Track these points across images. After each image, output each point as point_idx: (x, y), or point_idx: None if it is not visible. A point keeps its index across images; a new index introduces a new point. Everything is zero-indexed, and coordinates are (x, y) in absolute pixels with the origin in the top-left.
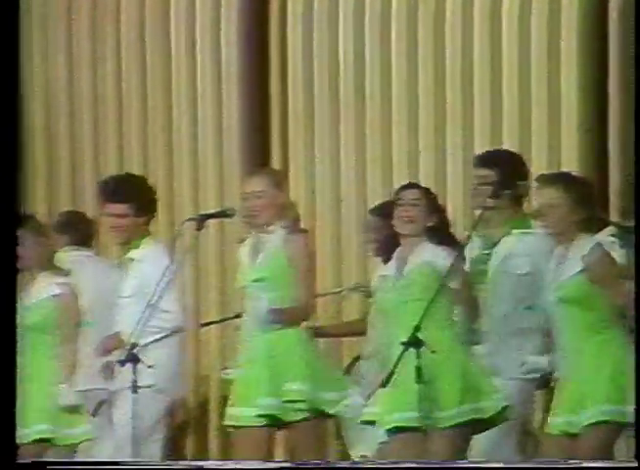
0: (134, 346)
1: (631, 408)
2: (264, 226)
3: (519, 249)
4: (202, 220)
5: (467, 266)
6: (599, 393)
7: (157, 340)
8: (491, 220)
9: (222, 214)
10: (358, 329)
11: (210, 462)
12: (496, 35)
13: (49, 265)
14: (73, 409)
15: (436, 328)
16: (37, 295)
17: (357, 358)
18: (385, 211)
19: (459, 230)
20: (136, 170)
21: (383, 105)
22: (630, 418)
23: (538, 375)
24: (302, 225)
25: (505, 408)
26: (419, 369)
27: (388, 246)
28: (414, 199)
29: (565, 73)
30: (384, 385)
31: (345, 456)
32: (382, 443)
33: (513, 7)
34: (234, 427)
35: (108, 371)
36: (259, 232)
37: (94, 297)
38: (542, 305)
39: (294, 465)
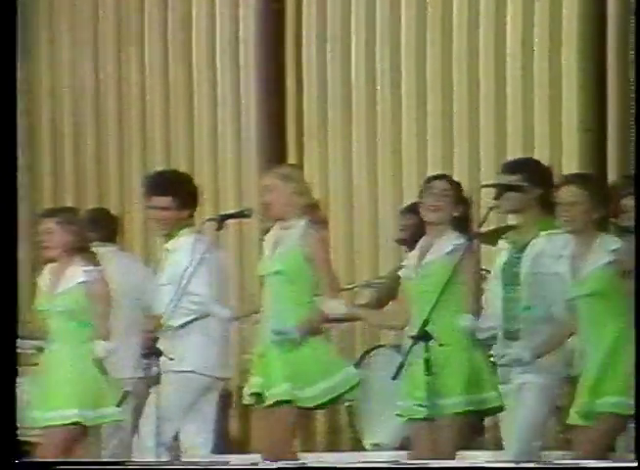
0: (156, 339)
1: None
2: (280, 220)
3: (548, 249)
4: (221, 220)
5: (480, 260)
6: (615, 384)
7: (187, 323)
8: (521, 224)
9: (241, 215)
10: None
11: (210, 461)
12: (500, 42)
13: (80, 255)
14: (102, 391)
15: (447, 321)
16: (66, 283)
17: (370, 350)
18: (416, 206)
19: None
20: None
21: (393, 108)
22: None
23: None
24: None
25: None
26: (427, 362)
27: (413, 235)
28: (444, 189)
29: (566, 74)
30: (394, 377)
31: (358, 445)
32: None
33: (516, 12)
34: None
35: (148, 352)
36: (280, 226)
37: (119, 290)
38: (564, 301)
39: (293, 465)
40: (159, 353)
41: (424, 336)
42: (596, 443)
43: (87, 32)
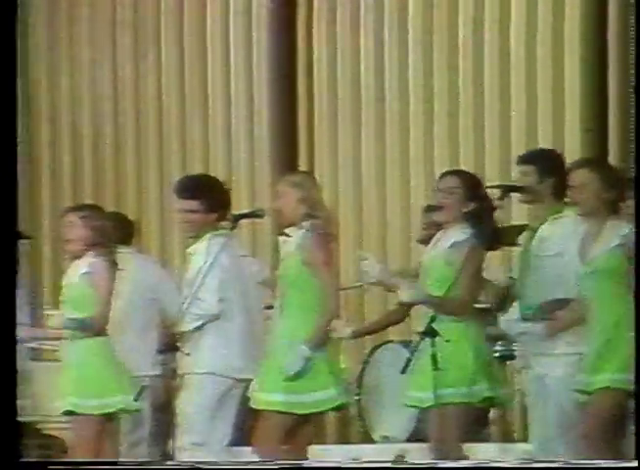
0: (173, 336)
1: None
2: (289, 226)
3: (552, 232)
4: (235, 220)
5: (483, 257)
6: (615, 362)
7: (198, 327)
8: (535, 211)
9: (253, 215)
10: (395, 319)
11: (210, 461)
12: (505, 44)
13: (98, 250)
14: (108, 379)
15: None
16: (74, 275)
17: (379, 345)
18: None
19: None
20: (174, 174)
21: (401, 111)
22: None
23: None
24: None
25: (507, 396)
26: (434, 357)
27: (429, 233)
28: (450, 187)
29: (568, 76)
30: (402, 372)
31: (367, 438)
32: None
33: (520, 14)
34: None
35: (165, 349)
36: (287, 232)
37: (136, 290)
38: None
39: (293, 465)
40: (175, 349)
41: (430, 332)
42: (596, 417)
43: (105, 34)
